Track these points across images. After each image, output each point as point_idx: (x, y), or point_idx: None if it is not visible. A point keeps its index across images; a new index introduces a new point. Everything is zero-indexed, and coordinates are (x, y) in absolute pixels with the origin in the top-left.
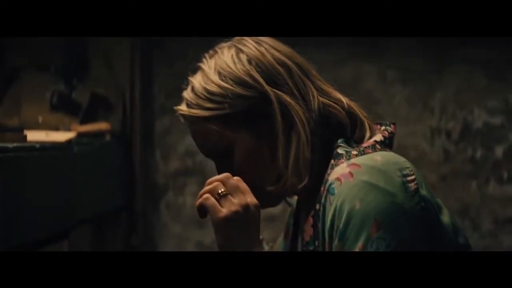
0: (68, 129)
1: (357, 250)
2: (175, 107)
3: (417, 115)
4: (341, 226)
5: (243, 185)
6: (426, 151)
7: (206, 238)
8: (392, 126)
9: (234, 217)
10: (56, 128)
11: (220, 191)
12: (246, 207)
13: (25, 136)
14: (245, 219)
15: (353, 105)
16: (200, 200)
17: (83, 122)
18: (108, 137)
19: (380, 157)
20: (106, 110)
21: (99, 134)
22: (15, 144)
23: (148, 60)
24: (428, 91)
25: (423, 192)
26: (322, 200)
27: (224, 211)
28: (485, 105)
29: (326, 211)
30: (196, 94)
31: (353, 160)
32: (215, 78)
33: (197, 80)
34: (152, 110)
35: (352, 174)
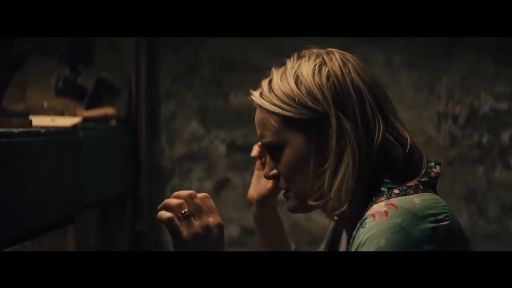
0: (73, 114)
1: None
2: (250, 90)
3: (424, 99)
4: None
5: (209, 203)
6: (432, 136)
7: None
8: (437, 166)
9: (193, 240)
10: (61, 113)
11: (183, 211)
12: (206, 228)
13: (31, 121)
14: (205, 240)
15: (416, 141)
16: (163, 218)
17: (89, 107)
18: (113, 122)
19: (419, 200)
20: (112, 95)
21: (104, 119)
22: (20, 129)
23: (153, 45)
24: (435, 76)
25: (452, 237)
26: (354, 232)
27: (184, 234)
28: (492, 91)
29: (354, 241)
30: (270, 87)
31: (392, 200)
32: (291, 81)
33: (276, 75)
34: (158, 95)
35: (387, 214)
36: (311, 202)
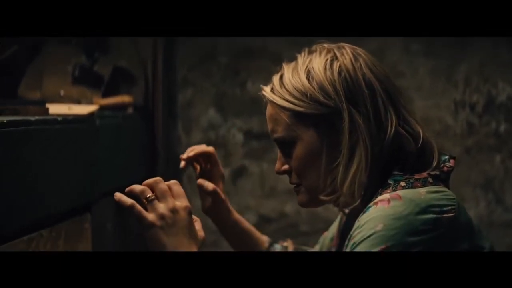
0: (90, 102)
1: None
2: (261, 86)
3: (441, 88)
4: (357, 238)
5: (176, 188)
6: (450, 124)
7: None
8: (451, 160)
9: (159, 221)
10: (78, 101)
11: (147, 196)
12: (173, 210)
13: (47, 109)
14: (172, 223)
15: (428, 136)
16: (125, 205)
17: (105, 95)
18: (130, 110)
19: (425, 192)
20: (129, 83)
21: (121, 107)
22: (37, 117)
23: None
24: (452, 64)
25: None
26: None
27: (149, 216)
28: (509, 79)
29: (355, 225)
30: (281, 82)
31: (397, 191)
32: (303, 76)
33: (287, 70)
34: (175, 82)
35: (389, 202)
36: (323, 197)
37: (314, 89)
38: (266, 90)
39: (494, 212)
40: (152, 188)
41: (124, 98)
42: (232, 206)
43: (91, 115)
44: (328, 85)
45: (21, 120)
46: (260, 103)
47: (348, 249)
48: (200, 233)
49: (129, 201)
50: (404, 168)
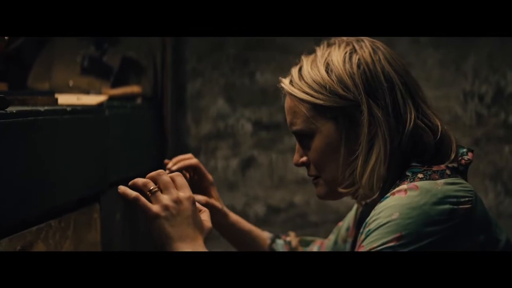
0: (99, 92)
1: (367, 249)
2: (280, 78)
3: (450, 78)
4: (372, 225)
5: (179, 179)
6: (459, 115)
7: (237, 202)
8: (470, 153)
9: (164, 212)
10: (87, 92)
11: (151, 188)
12: (176, 201)
13: (56, 100)
14: (176, 213)
15: (447, 129)
16: (129, 198)
17: (114, 85)
18: (139, 100)
19: (443, 182)
20: (138, 73)
21: (130, 97)
22: (46, 108)
23: None
24: (461, 54)
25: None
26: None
27: (154, 207)
28: None
29: (371, 213)
30: (300, 74)
31: (415, 182)
32: (322, 68)
33: (306, 63)
34: (184, 73)
35: (406, 192)
36: (341, 190)
37: (333, 82)
38: (285, 83)
39: (502, 203)
40: (155, 180)
41: (133, 89)
42: (241, 196)
43: (100, 105)
44: (347, 78)
45: (30, 110)
46: (268, 93)
47: (363, 236)
48: (207, 223)
49: (133, 193)
50: (422, 160)
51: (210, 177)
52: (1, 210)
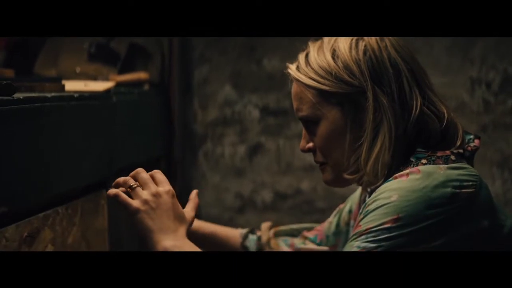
0: (106, 79)
1: (364, 229)
2: (287, 64)
3: (457, 65)
4: (371, 206)
5: (158, 175)
6: (466, 102)
7: (245, 188)
8: (476, 140)
9: (143, 206)
10: (94, 78)
11: (131, 185)
12: (156, 195)
13: (63, 86)
14: (156, 206)
15: (454, 115)
16: (110, 195)
17: (122, 71)
18: (146, 87)
19: (446, 167)
20: (145, 59)
21: (137, 84)
22: (53, 94)
23: None
24: (468, 41)
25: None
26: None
27: (134, 202)
28: None
29: (372, 195)
30: (307, 60)
31: (418, 167)
32: (328, 54)
33: (313, 49)
34: (191, 59)
35: (408, 176)
36: (346, 176)
37: (339, 68)
38: (292, 68)
39: (510, 191)
40: (135, 178)
41: (140, 75)
42: (248, 183)
43: (107, 91)
44: (353, 64)
45: (37, 96)
46: (275, 79)
47: (361, 216)
48: (190, 213)
49: (113, 191)
50: (427, 147)
51: None
52: (8, 196)
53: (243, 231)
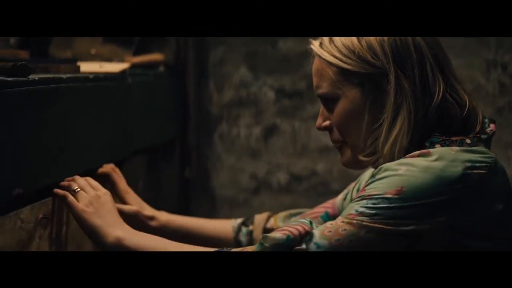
0: (121, 60)
1: (366, 194)
2: (310, 39)
3: (473, 47)
4: (376, 177)
5: (91, 181)
6: (481, 84)
7: (260, 170)
8: (491, 125)
9: (89, 207)
10: (109, 60)
11: (74, 188)
12: (97, 197)
13: (79, 67)
14: (99, 206)
15: (476, 104)
16: (59, 195)
17: (137, 53)
18: (161, 68)
19: (458, 149)
20: (160, 41)
21: (153, 65)
22: (68, 75)
23: None
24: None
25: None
26: None
27: (80, 204)
28: None
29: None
30: (331, 38)
31: (430, 149)
32: None
33: None
34: (206, 40)
35: (418, 155)
36: (362, 158)
37: (363, 47)
38: (315, 45)
39: None
40: (75, 181)
41: (156, 56)
42: (263, 165)
43: (123, 73)
44: (377, 45)
45: (52, 77)
46: (291, 60)
47: (368, 181)
48: (132, 208)
49: (61, 191)
50: (445, 133)
51: (123, 183)
52: (23, 178)
53: (235, 223)
